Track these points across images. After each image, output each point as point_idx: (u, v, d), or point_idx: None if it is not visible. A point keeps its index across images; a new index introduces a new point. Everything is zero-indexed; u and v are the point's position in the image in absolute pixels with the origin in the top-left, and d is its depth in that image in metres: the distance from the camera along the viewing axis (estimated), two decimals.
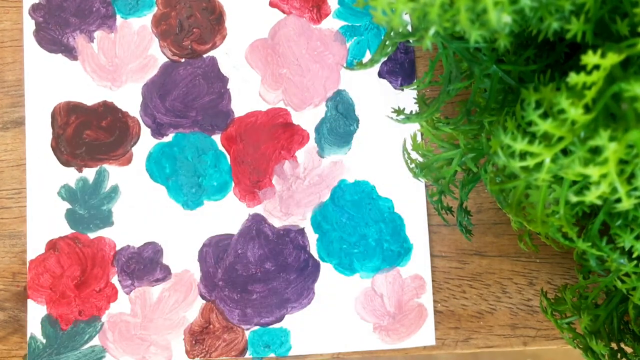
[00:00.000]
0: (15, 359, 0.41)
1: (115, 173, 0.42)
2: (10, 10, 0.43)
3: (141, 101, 0.43)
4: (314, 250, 0.42)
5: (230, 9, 0.43)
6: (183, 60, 0.43)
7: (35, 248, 0.42)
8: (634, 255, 0.28)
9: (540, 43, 0.30)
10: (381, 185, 0.42)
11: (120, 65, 0.43)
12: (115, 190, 0.42)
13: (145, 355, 0.41)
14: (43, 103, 0.42)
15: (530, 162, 0.23)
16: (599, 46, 0.22)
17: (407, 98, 0.43)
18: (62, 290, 0.41)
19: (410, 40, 0.31)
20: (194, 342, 0.41)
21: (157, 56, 0.43)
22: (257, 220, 0.42)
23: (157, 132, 0.43)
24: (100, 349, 0.41)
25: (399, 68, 0.43)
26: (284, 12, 0.43)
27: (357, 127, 0.43)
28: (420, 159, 0.38)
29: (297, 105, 0.43)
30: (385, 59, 0.43)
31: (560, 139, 0.23)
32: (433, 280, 0.42)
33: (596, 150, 0.22)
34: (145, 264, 0.42)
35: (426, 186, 0.42)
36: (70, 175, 0.42)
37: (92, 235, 0.42)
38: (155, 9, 0.43)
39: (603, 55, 0.21)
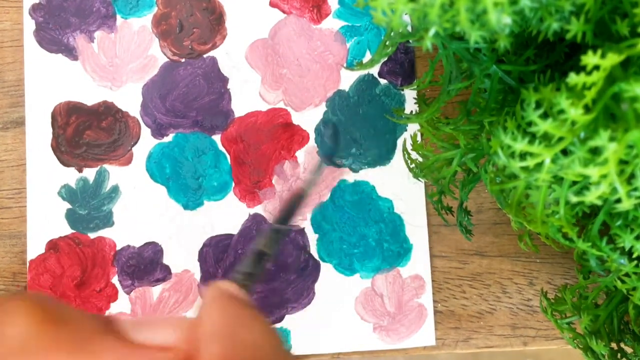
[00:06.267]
0: None
1: (115, 173, 0.42)
2: (11, 10, 0.43)
3: (141, 101, 0.43)
4: (314, 251, 0.42)
5: (230, 9, 0.43)
6: (183, 60, 0.43)
7: (35, 248, 0.42)
8: (634, 256, 0.28)
9: (540, 43, 0.30)
10: (381, 186, 0.42)
11: (120, 65, 0.43)
12: (115, 190, 0.42)
13: None
14: (43, 103, 0.42)
15: (530, 162, 0.23)
16: (599, 46, 0.22)
17: (407, 98, 0.43)
18: (62, 290, 0.41)
19: (410, 41, 0.31)
20: None
21: (157, 56, 0.43)
22: (257, 221, 0.42)
23: (157, 132, 0.43)
24: None
25: (399, 68, 0.43)
26: (284, 12, 0.43)
27: (357, 127, 0.43)
28: (420, 159, 0.38)
29: (297, 105, 0.43)
30: (386, 59, 0.43)
31: (560, 139, 0.23)
32: (433, 281, 0.42)
33: (596, 151, 0.22)
34: (145, 264, 0.42)
35: (426, 186, 0.42)
36: (71, 175, 0.42)
37: (92, 235, 0.42)
38: (155, 9, 0.43)
39: (603, 56, 0.21)
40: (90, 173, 0.42)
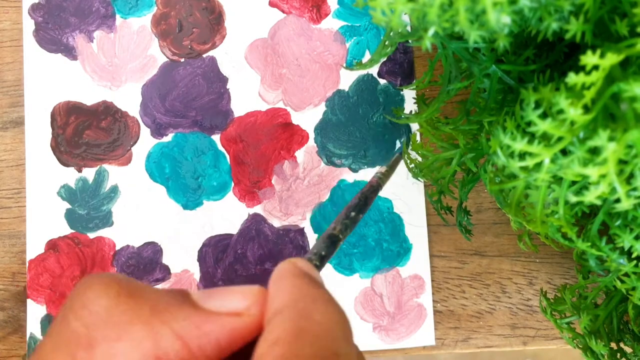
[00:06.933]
0: (14, 358, 0.41)
1: (115, 173, 0.42)
2: (10, 10, 0.43)
3: (141, 101, 0.43)
4: None
5: (230, 9, 0.43)
6: (183, 60, 0.43)
7: (34, 248, 0.42)
8: (634, 255, 0.28)
9: (539, 43, 0.30)
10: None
11: (120, 65, 0.43)
12: (115, 190, 0.42)
13: None
14: (43, 103, 0.42)
15: (529, 162, 0.23)
16: (598, 46, 0.22)
17: (407, 98, 0.43)
18: (62, 290, 0.41)
19: (410, 41, 0.31)
20: None
21: (156, 56, 0.43)
22: (256, 220, 0.42)
23: (157, 132, 0.43)
24: None
25: (399, 68, 0.43)
26: (283, 12, 0.43)
27: (357, 127, 0.43)
28: (420, 159, 0.38)
29: (296, 105, 0.43)
30: (385, 59, 0.43)
31: (560, 139, 0.23)
32: (432, 280, 0.42)
33: (595, 151, 0.22)
34: (144, 264, 0.42)
35: (426, 186, 0.42)
36: (70, 175, 0.42)
37: (91, 235, 0.42)
38: (155, 9, 0.43)
39: (602, 56, 0.21)
40: (89, 173, 0.42)
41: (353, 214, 0.29)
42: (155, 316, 0.19)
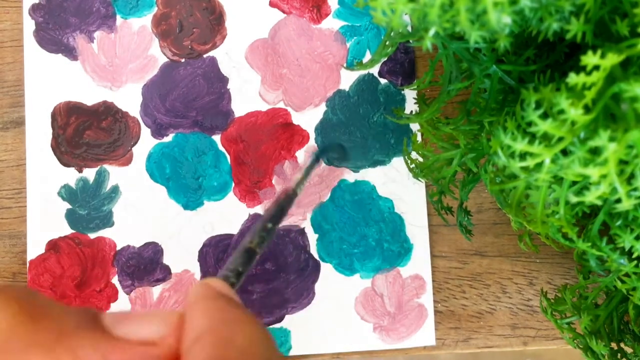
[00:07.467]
0: None
1: (115, 173, 0.42)
2: (10, 10, 0.43)
3: (141, 101, 0.43)
4: (314, 250, 0.42)
5: (230, 9, 0.43)
6: (183, 60, 0.43)
7: (35, 248, 0.42)
8: (634, 256, 0.28)
9: (540, 43, 0.30)
10: (381, 185, 0.42)
11: (120, 65, 0.43)
12: (115, 190, 0.42)
13: None
14: (43, 103, 0.42)
15: (530, 162, 0.23)
16: (599, 46, 0.22)
17: (407, 98, 0.43)
18: (63, 291, 0.41)
19: (410, 41, 0.31)
20: None
21: (157, 56, 0.43)
22: (257, 220, 0.42)
23: (157, 132, 0.43)
24: None
25: (399, 68, 0.43)
26: (284, 12, 0.43)
27: (357, 127, 0.43)
28: (421, 159, 0.38)
29: (297, 105, 0.43)
30: (386, 58, 0.43)
31: (560, 139, 0.23)
32: (433, 280, 0.42)
33: (596, 151, 0.22)
34: (145, 264, 0.42)
35: (426, 186, 0.42)
36: (71, 176, 0.42)
37: (92, 236, 0.42)
38: (155, 9, 0.43)
39: (603, 56, 0.21)
40: (90, 173, 0.42)
41: (270, 225, 0.28)
42: (59, 342, 0.17)
